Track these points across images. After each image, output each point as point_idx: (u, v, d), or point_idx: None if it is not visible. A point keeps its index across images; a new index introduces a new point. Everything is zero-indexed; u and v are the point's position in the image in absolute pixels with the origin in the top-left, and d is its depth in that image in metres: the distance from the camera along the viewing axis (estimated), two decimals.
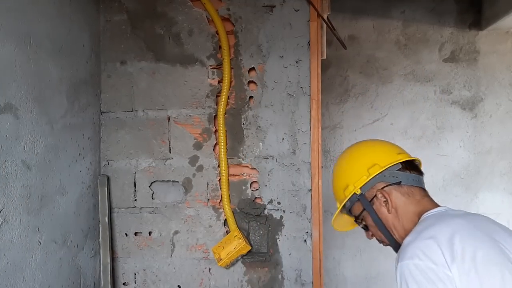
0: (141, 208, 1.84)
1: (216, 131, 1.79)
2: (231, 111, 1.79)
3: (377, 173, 1.07)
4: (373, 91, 3.03)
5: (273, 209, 1.77)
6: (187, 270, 1.82)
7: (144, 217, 1.84)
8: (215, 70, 1.79)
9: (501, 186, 2.95)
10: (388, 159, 1.09)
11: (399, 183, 1.07)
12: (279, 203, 1.76)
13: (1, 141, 1.23)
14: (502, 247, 0.88)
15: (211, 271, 1.81)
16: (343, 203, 1.15)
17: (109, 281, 1.79)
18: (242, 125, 1.78)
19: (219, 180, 1.79)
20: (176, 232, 1.83)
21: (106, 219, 1.80)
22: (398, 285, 0.89)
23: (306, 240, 1.74)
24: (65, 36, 1.58)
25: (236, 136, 1.79)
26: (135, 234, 1.85)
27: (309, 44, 1.73)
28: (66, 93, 1.59)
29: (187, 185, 1.81)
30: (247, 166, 1.79)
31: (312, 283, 1.73)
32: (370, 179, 1.08)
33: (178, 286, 1.83)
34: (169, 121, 1.82)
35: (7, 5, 1.25)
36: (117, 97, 1.85)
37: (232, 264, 1.78)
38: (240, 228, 1.76)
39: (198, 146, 1.81)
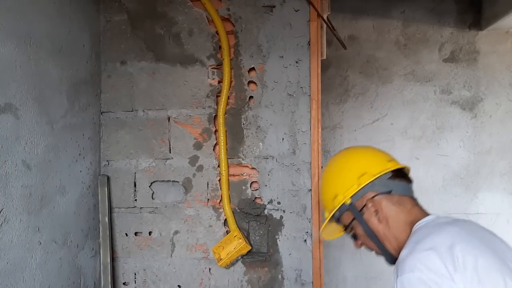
0: (141, 208, 1.84)
1: (216, 131, 1.79)
2: (231, 111, 1.79)
3: (367, 182, 1.05)
4: (373, 91, 3.03)
5: (273, 209, 1.77)
6: (187, 270, 1.82)
7: (144, 217, 1.84)
8: (215, 70, 1.79)
9: (501, 186, 2.95)
10: (378, 168, 1.07)
11: (389, 192, 1.05)
12: (279, 203, 1.77)
13: (1, 141, 1.24)
14: (498, 253, 0.87)
15: (211, 271, 1.81)
16: (332, 213, 1.12)
17: (109, 281, 1.79)
18: (242, 125, 1.78)
19: (219, 180, 1.79)
20: (176, 232, 1.83)
21: (106, 219, 1.80)
22: None
23: (306, 240, 1.75)
24: (65, 36, 1.58)
25: (236, 136, 1.79)
26: (135, 234, 1.85)
27: (309, 44, 1.73)
28: (66, 93, 1.59)
29: (187, 185, 1.82)
30: (247, 166, 1.79)
31: (312, 283, 1.73)
32: (360, 189, 1.05)
33: (178, 286, 1.83)
34: (169, 121, 1.82)
35: (7, 5, 1.26)
36: (117, 97, 1.85)
37: (232, 264, 1.78)
38: (240, 228, 1.76)
39: (198, 146, 1.81)
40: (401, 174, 1.10)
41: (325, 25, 1.84)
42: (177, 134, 1.82)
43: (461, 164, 2.97)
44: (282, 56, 1.75)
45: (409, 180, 1.12)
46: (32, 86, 1.37)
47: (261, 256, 1.76)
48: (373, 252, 1.12)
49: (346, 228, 1.13)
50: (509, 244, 0.94)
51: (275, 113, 1.76)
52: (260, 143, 1.78)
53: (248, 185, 1.79)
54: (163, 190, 1.84)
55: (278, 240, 1.77)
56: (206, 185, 1.81)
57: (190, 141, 1.81)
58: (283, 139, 1.76)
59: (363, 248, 1.15)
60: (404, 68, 3.01)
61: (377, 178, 1.05)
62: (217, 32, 1.77)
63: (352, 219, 1.09)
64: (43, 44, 1.44)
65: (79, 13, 1.68)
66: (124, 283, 1.85)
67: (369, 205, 1.05)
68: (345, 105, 3.07)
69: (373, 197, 1.05)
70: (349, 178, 1.09)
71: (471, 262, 0.82)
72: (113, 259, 1.84)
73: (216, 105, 1.79)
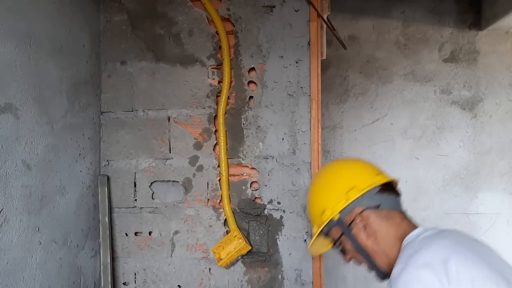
0: (141, 208, 1.84)
1: (216, 131, 1.80)
2: (231, 111, 1.79)
3: (356, 197, 1.04)
4: (373, 91, 3.04)
5: (273, 209, 1.77)
6: (187, 270, 1.82)
7: (144, 217, 1.84)
8: (215, 70, 1.79)
9: (501, 186, 2.95)
10: (367, 182, 1.06)
11: (378, 207, 1.03)
12: (279, 203, 1.77)
13: (1, 141, 1.24)
14: (490, 263, 0.87)
15: (211, 271, 1.81)
16: (320, 229, 1.10)
17: (109, 281, 1.79)
18: (242, 125, 1.78)
19: (219, 180, 1.79)
20: (176, 232, 1.83)
21: (106, 219, 1.81)
22: None
23: (306, 240, 1.75)
24: (65, 36, 1.58)
25: (236, 136, 1.79)
26: (135, 234, 1.85)
27: (309, 44, 1.73)
28: (66, 93, 1.59)
29: (187, 185, 1.82)
30: (247, 166, 1.79)
31: (312, 283, 1.73)
32: (349, 204, 1.04)
33: (178, 286, 1.83)
34: (169, 121, 1.82)
35: (7, 5, 1.26)
36: (117, 97, 1.85)
37: (232, 264, 1.78)
38: (240, 228, 1.76)
39: (198, 146, 1.81)
40: (389, 187, 1.09)
41: (325, 25, 1.84)
42: (177, 134, 1.82)
43: (461, 164, 2.97)
44: (282, 56, 1.75)
45: (397, 194, 1.10)
46: (32, 86, 1.37)
47: (261, 256, 1.77)
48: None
49: (335, 243, 1.12)
50: (497, 251, 0.94)
51: (275, 113, 1.76)
52: (260, 143, 1.78)
53: (248, 185, 1.79)
54: (163, 190, 1.84)
55: (278, 240, 1.77)
56: (206, 185, 1.81)
57: (190, 141, 1.81)
58: (283, 139, 1.76)
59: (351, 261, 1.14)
60: (404, 68, 3.01)
61: (365, 192, 1.04)
62: (217, 32, 1.77)
63: (341, 234, 1.07)
64: (43, 44, 1.44)
65: (79, 13, 1.68)
66: (124, 283, 1.85)
67: (358, 220, 1.03)
68: (345, 105, 3.07)
69: (362, 212, 1.03)
70: (337, 193, 1.07)
71: (465, 274, 0.82)
72: (113, 259, 1.84)
73: (216, 105, 1.80)
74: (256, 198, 1.78)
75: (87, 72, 1.74)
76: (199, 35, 1.80)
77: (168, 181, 1.84)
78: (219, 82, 1.79)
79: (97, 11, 1.83)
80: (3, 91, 1.24)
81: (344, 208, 1.05)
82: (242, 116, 1.78)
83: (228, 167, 1.78)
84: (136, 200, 1.84)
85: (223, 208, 1.78)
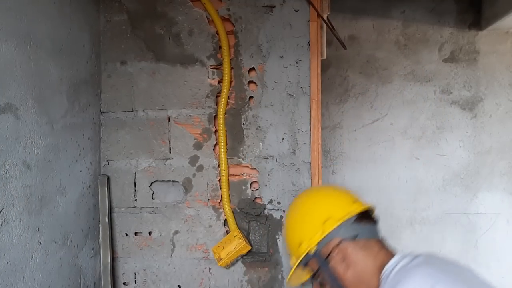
0: (141, 208, 1.84)
1: (216, 131, 1.80)
2: (231, 111, 1.79)
3: (331, 229, 1.02)
4: (373, 91, 3.04)
5: (273, 209, 1.77)
6: (187, 270, 1.82)
7: (144, 217, 1.84)
8: (215, 70, 1.79)
9: (501, 186, 2.95)
10: (342, 211, 1.04)
11: (355, 237, 1.02)
12: (279, 203, 1.77)
13: (1, 141, 1.24)
14: (473, 285, 0.86)
15: (211, 271, 1.81)
16: (298, 261, 1.09)
17: (109, 281, 1.79)
18: (242, 125, 1.78)
19: (219, 180, 1.79)
20: (176, 232, 1.83)
21: (106, 219, 1.81)
22: None
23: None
24: (65, 36, 1.58)
25: (236, 136, 1.79)
26: (135, 234, 1.85)
27: (309, 44, 1.73)
28: (66, 93, 1.59)
29: (187, 185, 1.82)
30: (247, 166, 1.79)
31: (312, 283, 1.73)
32: (325, 236, 1.02)
33: (178, 286, 1.83)
34: (169, 121, 1.82)
35: (7, 5, 1.26)
36: (117, 97, 1.85)
37: (232, 264, 1.78)
38: (240, 228, 1.77)
39: (198, 146, 1.81)
40: (366, 215, 1.07)
41: (325, 25, 1.84)
42: (177, 134, 1.82)
43: (461, 164, 2.97)
44: (282, 56, 1.75)
45: (374, 221, 1.09)
46: (32, 86, 1.37)
47: (261, 256, 1.77)
48: None
49: (314, 274, 1.10)
50: (477, 272, 0.92)
51: (275, 113, 1.76)
52: (260, 143, 1.78)
53: (248, 185, 1.79)
54: (163, 190, 1.84)
55: (278, 240, 1.77)
56: (206, 185, 1.81)
57: (190, 141, 1.81)
58: (283, 139, 1.76)
59: None
60: (404, 68, 3.01)
61: (341, 223, 1.02)
62: (217, 32, 1.77)
63: (319, 266, 1.06)
64: (43, 44, 1.44)
65: (79, 13, 1.68)
66: (124, 283, 1.85)
67: (335, 252, 1.02)
68: (345, 105, 3.07)
69: (339, 243, 1.02)
70: (313, 225, 1.06)
71: None
72: (113, 259, 1.84)
73: (216, 105, 1.80)
74: (256, 198, 1.78)
75: (87, 72, 1.74)
76: (199, 35, 1.80)
77: (168, 181, 1.84)
78: (219, 82, 1.79)
79: (97, 11, 1.83)
80: (3, 91, 1.24)
81: (320, 241, 1.03)
82: (242, 116, 1.78)
83: (228, 167, 1.78)
84: (136, 200, 1.84)
85: (223, 208, 1.78)
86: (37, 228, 1.40)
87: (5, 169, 1.25)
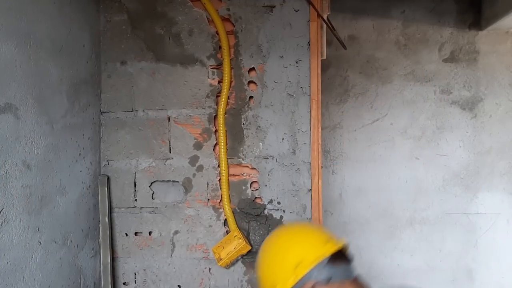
0: (141, 208, 1.84)
1: (216, 131, 1.80)
2: (231, 111, 1.79)
3: (304, 273, 1.00)
4: (373, 91, 3.04)
5: (273, 209, 1.77)
6: (187, 270, 1.82)
7: (144, 217, 1.84)
8: (215, 70, 1.79)
9: (501, 186, 2.95)
10: (314, 254, 1.03)
11: (329, 279, 1.00)
12: (279, 203, 1.77)
13: (1, 141, 1.24)
14: None
15: (211, 271, 1.81)
16: None
17: (109, 281, 1.79)
18: (242, 125, 1.78)
19: (219, 180, 1.79)
20: (176, 232, 1.83)
21: (106, 219, 1.81)
22: None
23: None
24: (65, 36, 1.58)
25: (236, 136, 1.79)
26: (135, 234, 1.85)
27: (309, 44, 1.73)
28: (66, 93, 1.59)
29: (187, 185, 1.82)
30: (247, 166, 1.79)
31: None
32: (298, 281, 1.01)
33: (178, 286, 1.83)
34: (169, 121, 1.82)
35: (7, 4, 1.26)
36: (117, 97, 1.85)
37: (232, 264, 1.78)
38: (240, 228, 1.76)
39: (198, 146, 1.81)
40: (340, 253, 1.06)
41: (325, 25, 1.84)
42: (177, 134, 1.82)
43: (461, 164, 2.97)
44: (282, 56, 1.75)
45: (348, 259, 1.08)
46: (32, 86, 1.37)
47: None
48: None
49: None
50: None
51: (275, 113, 1.76)
52: (260, 143, 1.78)
53: (248, 185, 1.79)
54: (163, 190, 1.84)
55: None
56: (206, 185, 1.81)
57: (190, 141, 1.81)
58: (283, 139, 1.76)
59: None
60: (404, 68, 3.01)
61: (314, 267, 1.01)
62: (217, 32, 1.77)
63: None
64: (43, 44, 1.44)
65: (79, 13, 1.68)
66: (124, 283, 1.85)
67: None
68: (345, 105, 3.07)
69: (312, 287, 1.00)
70: (285, 270, 1.04)
71: None
72: (113, 259, 1.84)
73: (216, 105, 1.80)
74: (256, 198, 1.78)
75: (87, 72, 1.74)
76: (199, 35, 1.80)
77: (168, 181, 1.84)
78: (219, 82, 1.79)
79: (97, 11, 1.83)
80: (3, 91, 1.24)
81: (293, 286, 1.02)
82: (242, 116, 1.78)
83: (228, 167, 1.78)
84: (136, 200, 1.84)
85: (223, 208, 1.78)
86: (37, 228, 1.40)
87: (5, 169, 1.25)
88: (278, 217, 1.77)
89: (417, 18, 3.00)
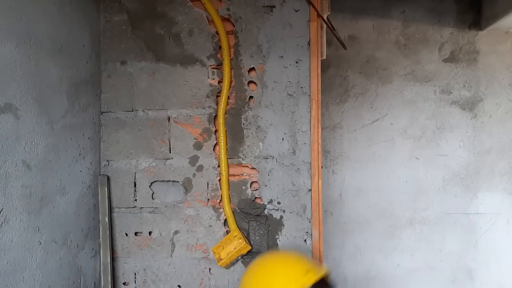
0: (141, 208, 1.84)
1: (216, 131, 1.80)
2: (231, 111, 1.79)
3: None
4: (373, 91, 3.03)
5: (273, 209, 1.77)
6: (187, 270, 1.82)
7: (144, 217, 1.84)
8: (215, 70, 1.79)
9: (501, 186, 2.95)
10: (295, 285, 1.04)
11: None
12: (279, 203, 1.77)
13: (1, 141, 1.24)
14: None
15: (211, 271, 1.81)
16: None
17: (109, 281, 1.79)
18: (242, 125, 1.78)
19: (219, 180, 1.79)
20: (176, 232, 1.83)
21: (106, 219, 1.81)
22: None
23: (306, 240, 1.75)
24: (65, 36, 1.58)
25: (236, 136, 1.79)
26: (135, 234, 1.85)
27: (309, 44, 1.73)
28: (66, 93, 1.59)
29: (187, 185, 1.82)
30: (247, 166, 1.79)
31: None
32: None
33: (178, 286, 1.83)
34: (169, 121, 1.82)
35: (7, 4, 1.26)
36: (117, 97, 1.85)
37: (232, 264, 1.78)
38: (240, 228, 1.77)
39: (198, 146, 1.81)
40: (322, 281, 1.07)
41: (325, 25, 1.84)
42: (177, 134, 1.82)
43: (461, 164, 2.97)
44: (282, 56, 1.75)
45: (330, 286, 1.09)
46: (32, 86, 1.37)
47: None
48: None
49: None
50: None
51: (275, 113, 1.76)
52: (260, 143, 1.78)
53: (248, 185, 1.79)
54: (163, 190, 1.84)
55: (278, 240, 1.77)
56: (206, 185, 1.81)
57: (190, 141, 1.81)
58: (283, 139, 1.76)
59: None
60: (404, 68, 3.01)
61: None
62: (217, 32, 1.77)
63: None
64: (43, 44, 1.44)
65: (79, 13, 1.68)
66: (124, 283, 1.85)
67: None
68: (345, 105, 3.07)
69: None
70: None
71: None
72: (113, 259, 1.84)
73: (216, 105, 1.80)
74: (256, 198, 1.78)
75: (87, 72, 1.74)
76: (199, 35, 1.80)
77: (168, 181, 1.84)
78: (219, 82, 1.79)
79: (97, 11, 1.83)
80: (3, 91, 1.24)
81: None
82: (242, 116, 1.78)
83: (228, 167, 1.78)
84: (136, 200, 1.84)
85: (223, 208, 1.78)
86: (37, 228, 1.40)
87: (5, 169, 1.25)
88: (278, 217, 1.77)
89: (417, 18, 3.00)
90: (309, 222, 1.74)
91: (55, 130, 1.51)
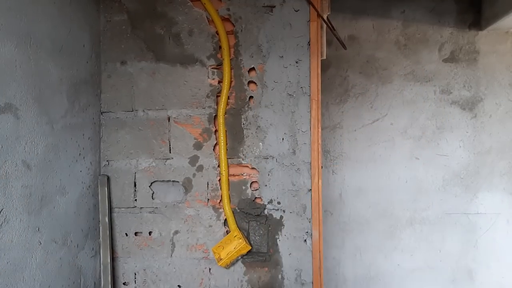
0: (141, 208, 1.84)
1: (216, 131, 1.80)
2: (231, 111, 1.79)
3: None
4: (373, 91, 3.04)
5: (273, 209, 1.77)
6: (187, 270, 1.82)
7: (144, 217, 1.84)
8: (215, 70, 1.79)
9: (501, 186, 2.95)
10: None
11: None
12: (279, 203, 1.77)
13: (1, 141, 1.24)
14: None
15: (211, 271, 1.81)
16: None
17: (109, 281, 1.79)
18: (242, 125, 1.78)
19: (219, 180, 1.79)
20: (176, 232, 1.83)
21: (106, 219, 1.80)
22: None
23: (306, 240, 1.75)
24: (65, 36, 1.58)
25: (236, 136, 1.79)
26: (135, 234, 1.85)
27: (309, 44, 1.73)
28: (66, 93, 1.59)
29: (187, 185, 1.82)
30: (247, 166, 1.79)
31: (312, 283, 1.73)
32: None
33: (178, 286, 1.83)
34: (169, 121, 1.82)
35: (7, 4, 1.26)
36: (117, 97, 1.85)
37: (232, 264, 1.78)
38: (240, 228, 1.76)
39: (198, 146, 1.81)
40: None
41: (325, 25, 1.84)
42: (177, 134, 1.82)
43: (461, 164, 2.97)
44: (282, 56, 1.75)
45: None
46: (32, 86, 1.37)
47: (261, 256, 1.76)
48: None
49: None
50: None
51: (275, 113, 1.76)
52: (260, 143, 1.78)
53: (248, 185, 1.79)
54: (163, 190, 1.84)
55: (278, 240, 1.77)
56: (206, 185, 1.81)
57: (190, 141, 1.81)
58: (283, 139, 1.76)
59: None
60: (404, 68, 3.01)
61: None
62: (217, 32, 1.77)
63: None
64: (43, 44, 1.44)
65: (79, 13, 1.68)
66: (124, 283, 1.85)
67: None
68: (345, 105, 3.07)
69: None
70: None
71: None
72: (113, 259, 1.84)
73: (216, 105, 1.80)
74: (256, 198, 1.78)
75: (87, 72, 1.74)
76: (199, 35, 1.80)
77: (168, 181, 1.84)
78: (219, 82, 1.79)
79: (97, 11, 1.83)
80: (3, 91, 1.24)
81: None
82: (242, 116, 1.78)
83: (228, 167, 1.78)
84: (136, 200, 1.84)
85: (223, 208, 1.78)
86: (37, 228, 1.40)
87: (5, 169, 1.25)
88: (278, 217, 1.77)
89: (417, 18, 3.00)
90: (309, 222, 1.74)
91: (55, 130, 1.51)
